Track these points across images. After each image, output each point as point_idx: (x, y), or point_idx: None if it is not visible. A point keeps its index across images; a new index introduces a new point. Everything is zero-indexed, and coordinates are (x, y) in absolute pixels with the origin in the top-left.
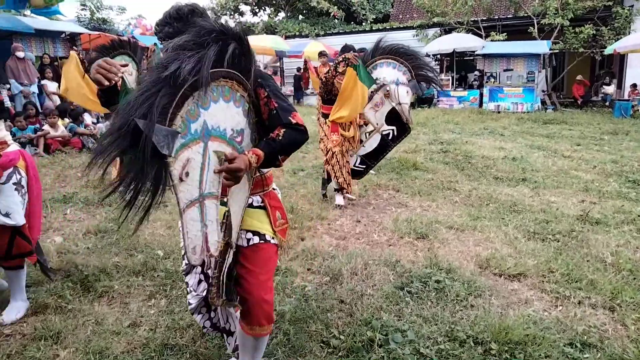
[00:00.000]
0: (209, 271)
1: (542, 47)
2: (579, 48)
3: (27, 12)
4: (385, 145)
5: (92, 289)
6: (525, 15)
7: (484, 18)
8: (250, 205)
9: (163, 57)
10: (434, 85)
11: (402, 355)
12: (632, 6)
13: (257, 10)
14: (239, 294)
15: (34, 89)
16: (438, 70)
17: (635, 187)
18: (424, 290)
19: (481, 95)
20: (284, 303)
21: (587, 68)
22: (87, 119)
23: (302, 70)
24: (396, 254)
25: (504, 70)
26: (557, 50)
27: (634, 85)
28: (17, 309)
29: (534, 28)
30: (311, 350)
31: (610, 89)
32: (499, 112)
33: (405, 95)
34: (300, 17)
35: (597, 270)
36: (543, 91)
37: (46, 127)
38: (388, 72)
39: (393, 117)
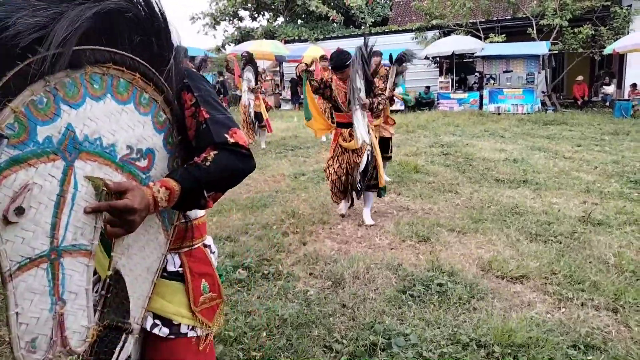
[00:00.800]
0: None
1: (541, 48)
2: (578, 48)
3: None
4: (366, 167)
5: None
6: (524, 16)
7: (483, 20)
8: (163, 272)
9: None
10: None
11: (405, 359)
12: (631, 6)
13: (256, 15)
14: None
15: None
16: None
17: (637, 188)
18: (426, 294)
19: (481, 97)
20: (286, 308)
21: (586, 68)
22: None
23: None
24: (398, 257)
25: (504, 72)
26: (556, 51)
27: (634, 85)
28: None
29: (533, 29)
30: (314, 355)
31: (610, 89)
32: (499, 114)
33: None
34: (299, 21)
35: (600, 272)
36: (543, 92)
37: None
38: (356, 77)
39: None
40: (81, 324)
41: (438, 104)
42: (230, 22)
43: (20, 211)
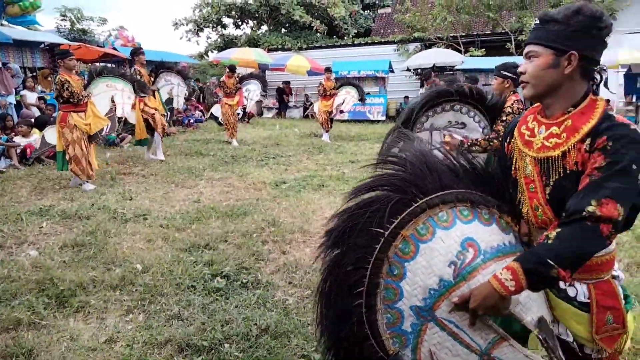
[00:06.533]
0: None
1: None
2: None
3: (4, 22)
4: None
5: (68, 304)
6: (503, 31)
7: (463, 34)
8: (572, 299)
9: None
10: None
11: None
12: None
13: (239, 23)
14: None
15: (11, 99)
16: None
17: None
18: None
19: None
20: (265, 317)
21: None
22: None
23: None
24: None
25: (483, 85)
26: None
27: (607, 101)
28: None
29: (512, 44)
30: None
31: None
32: None
33: None
34: (283, 30)
35: None
36: None
37: (17, 138)
38: None
39: None
40: None
41: None
42: (214, 29)
43: None
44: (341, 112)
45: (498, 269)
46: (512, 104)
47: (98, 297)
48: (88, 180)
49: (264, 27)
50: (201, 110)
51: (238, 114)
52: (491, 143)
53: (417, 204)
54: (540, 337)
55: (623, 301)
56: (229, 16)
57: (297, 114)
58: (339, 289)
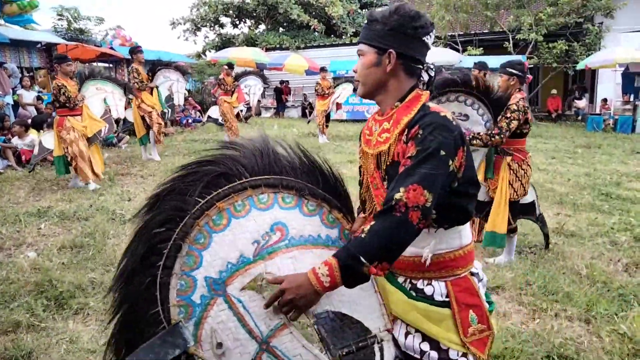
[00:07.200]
0: None
1: None
2: (553, 63)
3: (1, 21)
4: None
5: (67, 306)
6: (501, 30)
7: (461, 33)
8: (428, 299)
9: None
10: None
11: None
12: (602, 23)
13: (237, 22)
14: None
15: (9, 99)
16: None
17: (608, 200)
18: None
19: None
20: None
21: (560, 82)
22: None
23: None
24: None
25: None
26: (532, 65)
27: (604, 100)
28: None
29: (509, 43)
30: None
31: (582, 103)
32: None
33: None
34: (281, 29)
35: (573, 283)
36: None
37: (14, 140)
38: None
39: None
40: None
41: None
42: (211, 28)
43: (220, 345)
44: (337, 106)
45: (300, 256)
46: (518, 101)
47: (97, 298)
48: (91, 181)
49: (262, 26)
50: (199, 110)
51: (241, 110)
52: (493, 138)
53: (240, 181)
54: (315, 328)
55: (486, 304)
56: (226, 15)
57: (295, 114)
58: (143, 246)
